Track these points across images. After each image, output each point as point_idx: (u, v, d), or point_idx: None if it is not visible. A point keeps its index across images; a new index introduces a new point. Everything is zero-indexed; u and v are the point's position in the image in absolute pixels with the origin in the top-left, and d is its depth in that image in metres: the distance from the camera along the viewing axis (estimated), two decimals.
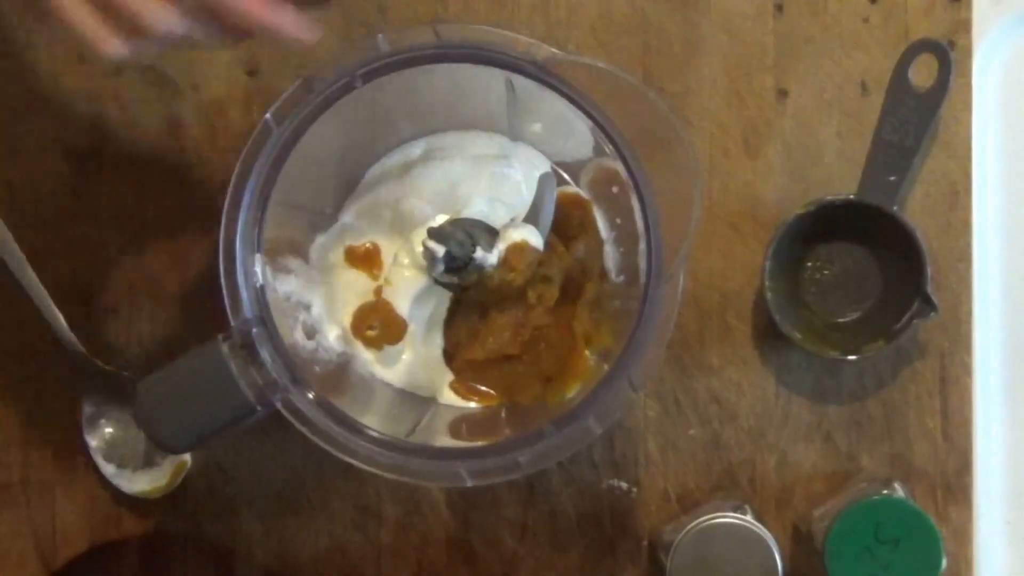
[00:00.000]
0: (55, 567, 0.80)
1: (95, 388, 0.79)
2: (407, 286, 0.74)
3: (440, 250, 0.68)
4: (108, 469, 0.79)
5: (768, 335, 0.78)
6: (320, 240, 0.75)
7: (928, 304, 0.73)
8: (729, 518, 0.72)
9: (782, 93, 0.79)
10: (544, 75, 0.65)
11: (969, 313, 0.78)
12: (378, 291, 0.74)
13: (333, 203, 0.76)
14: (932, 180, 0.78)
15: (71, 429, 0.79)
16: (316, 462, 0.79)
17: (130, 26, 0.55)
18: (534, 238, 0.70)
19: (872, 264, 0.78)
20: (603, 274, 0.75)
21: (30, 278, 0.78)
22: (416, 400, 0.75)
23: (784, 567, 0.72)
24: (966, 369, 0.78)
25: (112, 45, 0.55)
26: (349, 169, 0.76)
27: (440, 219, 0.73)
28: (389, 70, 0.66)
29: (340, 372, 0.74)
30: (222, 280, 0.64)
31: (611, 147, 0.65)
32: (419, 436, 0.70)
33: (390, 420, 0.72)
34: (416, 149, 0.76)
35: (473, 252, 0.69)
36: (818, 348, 0.75)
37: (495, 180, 0.75)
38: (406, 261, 0.73)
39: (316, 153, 0.68)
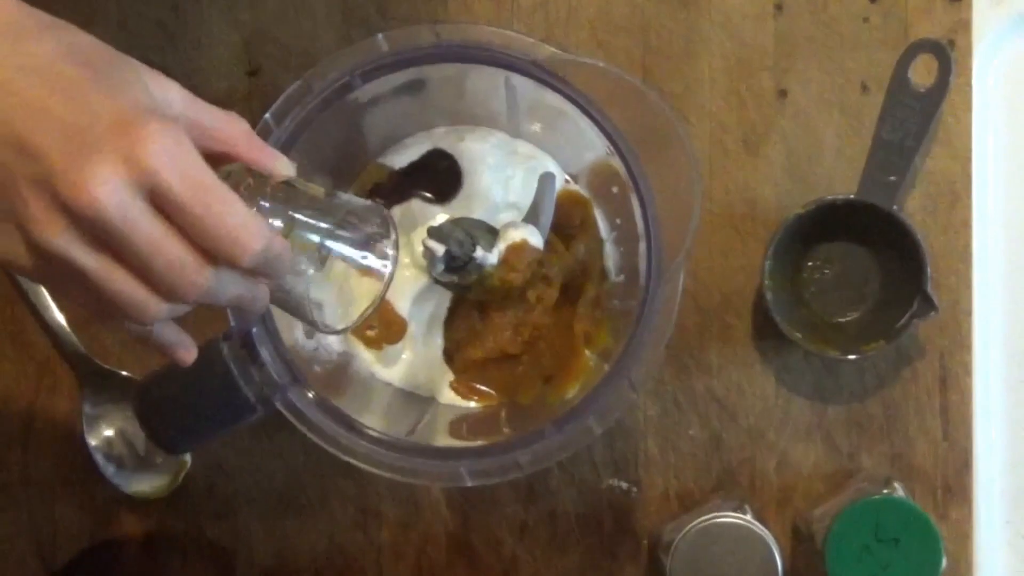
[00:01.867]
0: (55, 567, 0.80)
1: (95, 388, 0.79)
2: (407, 286, 0.74)
3: (440, 250, 0.68)
4: (108, 469, 0.79)
5: (768, 335, 0.78)
6: None
7: (928, 304, 0.73)
8: (729, 518, 0.72)
9: (782, 93, 0.79)
10: (544, 75, 0.65)
11: (969, 313, 0.78)
12: None
13: None
14: (932, 180, 0.78)
15: (71, 429, 0.79)
16: (316, 462, 0.79)
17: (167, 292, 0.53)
18: (534, 238, 0.70)
19: (872, 264, 0.78)
20: (603, 274, 0.75)
21: None
22: (416, 400, 0.75)
23: (784, 567, 0.72)
24: (966, 369, 0.78)
25: (156, 312, 0.54)
26: (348, 169, 0.76)
27: (440, 219, 0.73)
28: (389, 70, 0.66)
29: (340, 372, 0.74)
30: None
31: (611, 147, 0.65)
32: (419, 436, 0.70)
33: (390, 420, 0.72)
34: (422, 147, 0.77)
35: (473, 252, 0.69)
36: (818, 348, 0.75)
37: (507, 179, 0.75)
38: (406, 261, 0.73)
39: (315, 153, 0.68)
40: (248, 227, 0.52)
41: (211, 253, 0.52)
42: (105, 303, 0.52)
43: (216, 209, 0.51)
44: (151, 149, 0.49)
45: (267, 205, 0.56)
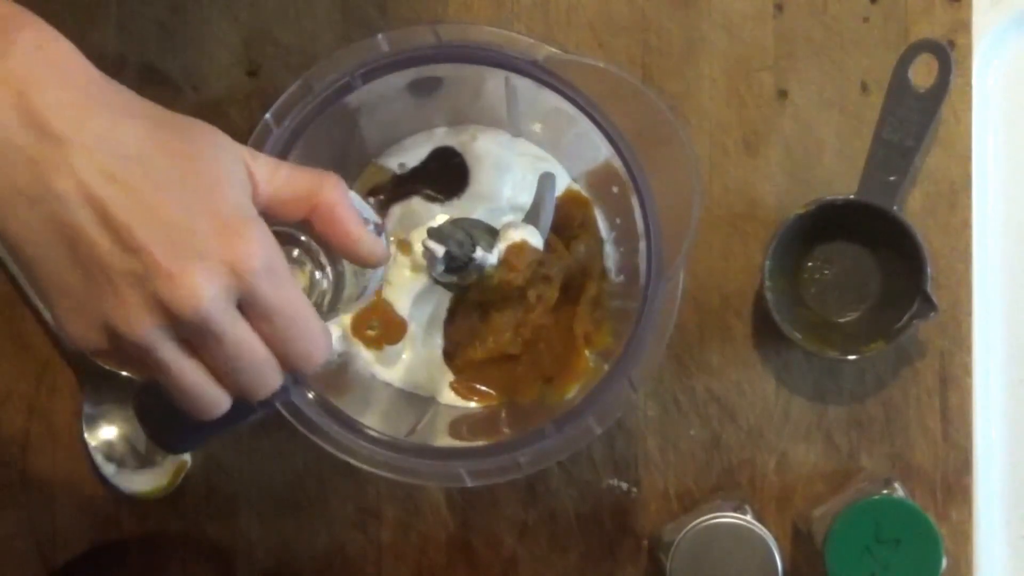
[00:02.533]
0: (55, 567, 0.80)
1: (95, 388, 0.79)
2: (407, 286, 0.74)
3: (440, 250, 0.68)
4: (108, 469, 0.79)
5: (768, 335, 0.78)
6: None
7: (928, 304, 0.73)
8: (729, 518, 0.72)
9: (782, 93, 0.79)
10: (544, 75, 0.65)
11: (969, 313, 0.78)
12: (378, 291, 0.74)
13: None
14: (932, 180, 0.78)
15: (71, 429, 0.79)
16: (316, 462, 0.79)
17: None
18: (534, 238, 0.70)
19: (872, 264, 0.78)
20: (603, 274, 0.75)
21: None
22: (416, 400, 0.75)
23: (784, 567, 0.72)
24: (966, 369, 0.78)
25: (222, 406, 0.54)
26: (349, 168, 0.76)
27: (440, 219, 0.73)
28: (389, 70, 0.66)
29: (340, 372, 0.74)
30: None
31: (611, 147, 0.65)
32: (419, 436, 0.70)
33: (390, 420, 0.72)
34: (423, 147, 0.77)
35: (473, 252, 0.69)
36: (818, 348, 0.75)
37: (517, 181, 0.75)
38: (406, 261, 0.73)
39: (315, 153, 0.68)
40: (321, 342, 0.54)
41: (287, 351, 0.53)
42: (172, 392, 0.53)
43: (300, 324, 0.53)
44: (253, 261, 0.50)
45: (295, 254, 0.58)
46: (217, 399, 0.54)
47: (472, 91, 0.72)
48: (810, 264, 0.78)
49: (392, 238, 0.67)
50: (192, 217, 0.50)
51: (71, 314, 0.50)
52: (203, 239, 0.50)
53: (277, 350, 0.53)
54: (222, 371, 0.53)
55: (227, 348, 0.51)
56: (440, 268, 0.69)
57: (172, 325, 0.50)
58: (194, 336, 0.51)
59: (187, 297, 0.49)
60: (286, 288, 0.52)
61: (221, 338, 0.51)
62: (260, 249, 0.51)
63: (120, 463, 0.79)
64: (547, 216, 0.72)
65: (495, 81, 0.68)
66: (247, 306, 0.51)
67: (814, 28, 0.79)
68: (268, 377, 0.54)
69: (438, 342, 0.75)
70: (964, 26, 0.78)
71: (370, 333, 0.75)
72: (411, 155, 0.76)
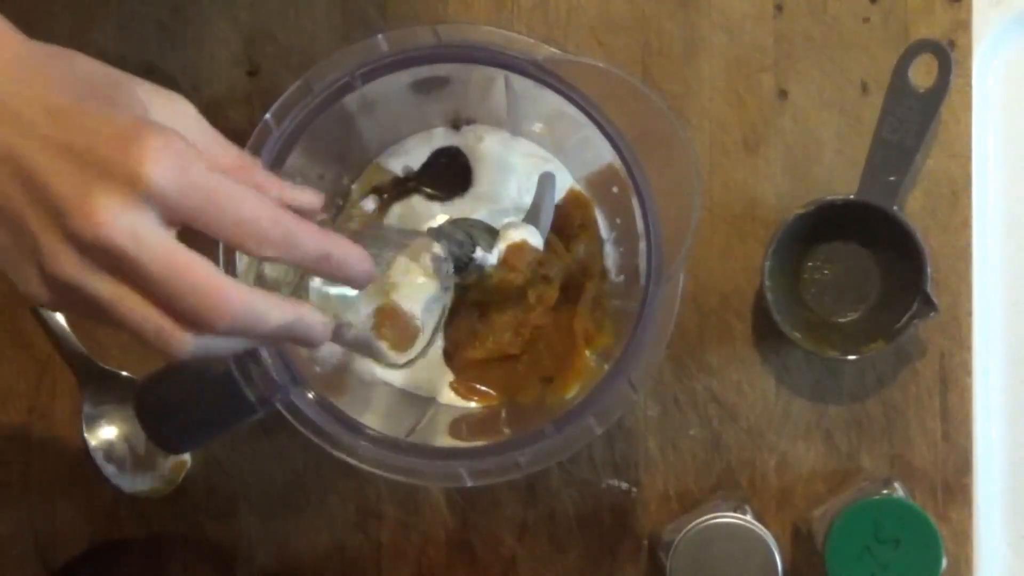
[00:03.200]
0: (55, 567, 0.80)
1: (95, 388, 0.79)
2: (419, 292, 0.74)
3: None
4: (108, 469, 0.79)
5: (768, 335, 0.78)
6: None
7: (928, 304, 0.73)
8: (729, 518, 0.72)
9: (782, 93, 0.79)
10: (543, 75, 0.65)
11: (969, 313, 0.78)
12: (390, 296, 0.74)
13: (333, 203, 0.76)
14: (932, 180, 0.78)
15: (71, 429, 0.79)
16: (316, 462, 0.79)
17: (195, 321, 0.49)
18: (534, 238, 0.70)
19: (872, 264, 0.78)
20: (603, 274, 0.75)
21: None
22: (416, 400, 0.75)
23: (784, 567, 0.72)
24: (966, 369, 0.78)
25: (181, 341, 0.50)
26: (350, 168, 0.76)
27: (440, 219, 0.73)
28: (389, 70, 0.66)
29: (340, 372, 0.74)
30: None
31: (611, 147, 0.65)
32: (419, 436, 0.70)
33: (390, 420, 0.72)
34: (424, 147, 0.77)
35: (473, 252, 0.69)
36: (818, 348, 0.75)
37: (521, 183, 0.75)
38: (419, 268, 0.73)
39: (316, 153, 0.68)
40: (271, 229, 0.50)
41: (243, 249, 0.50)
42: (129, 333, 0.50)
43: (237, 201, 0.49)
44: (156, 166, 0.47)
45: None
46: (167, 334, 0.49)
47: (479, 91, 0.72)
48: (810, 264, 0.78)
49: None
50: (88, 137, 0.47)
51: (17, 274, 0.49)
52: (102, 157, 0.47)
53: (229, 240, 0.49)
54: (163, 300, 0.48)
55: (151, 271, 0.48)
56: None
57: (92, 256, 0.47)
58: (119, 265, 0.48)
59: (92, 223, 0.46)
60: (210, 179, 0.48)
61: (137, 261, 0.47)
62: (164, 152, 0.47)
63: (120, 463, 0.79)
64: (547, 216, 0.72)
65: (502, 81, 0.68)
66: (176, 215, 0.48)
67: (814, 28, 0.79)
68: (214, 294, 0.48)
69: (438, 342, 0.75)
70: (964, 26, 0.78)
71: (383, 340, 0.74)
72: (413, 155, 0.76)
